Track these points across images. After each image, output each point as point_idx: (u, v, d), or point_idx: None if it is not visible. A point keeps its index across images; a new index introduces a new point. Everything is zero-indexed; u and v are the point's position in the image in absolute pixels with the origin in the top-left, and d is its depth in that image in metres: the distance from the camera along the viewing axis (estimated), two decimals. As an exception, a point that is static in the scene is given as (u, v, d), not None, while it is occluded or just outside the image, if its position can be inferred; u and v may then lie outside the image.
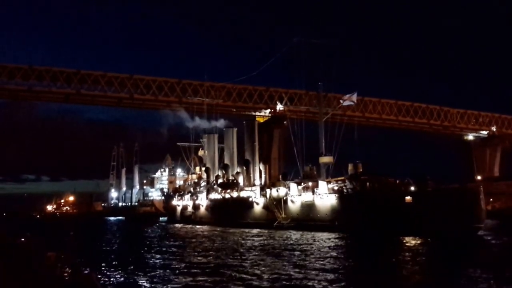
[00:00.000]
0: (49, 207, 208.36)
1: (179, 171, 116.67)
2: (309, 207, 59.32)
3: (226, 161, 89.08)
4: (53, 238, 46.98)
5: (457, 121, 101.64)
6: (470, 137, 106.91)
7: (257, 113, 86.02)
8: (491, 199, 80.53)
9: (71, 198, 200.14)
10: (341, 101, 66.30)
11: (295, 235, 49.91)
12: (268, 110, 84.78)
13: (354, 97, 65.68)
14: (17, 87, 77.43)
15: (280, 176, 73.22)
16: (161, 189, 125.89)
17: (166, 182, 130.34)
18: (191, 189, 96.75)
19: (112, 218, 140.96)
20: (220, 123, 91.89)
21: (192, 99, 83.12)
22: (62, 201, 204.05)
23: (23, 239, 27.21)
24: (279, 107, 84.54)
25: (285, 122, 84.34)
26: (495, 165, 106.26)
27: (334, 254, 32.37)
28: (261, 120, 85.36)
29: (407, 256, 31.25)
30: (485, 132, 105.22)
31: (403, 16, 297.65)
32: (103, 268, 27.14)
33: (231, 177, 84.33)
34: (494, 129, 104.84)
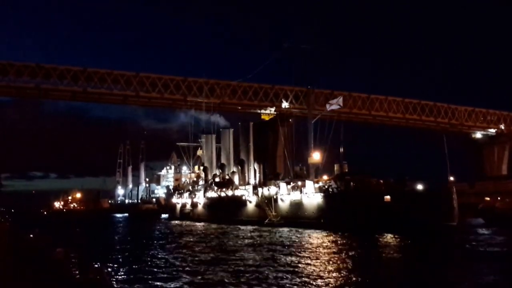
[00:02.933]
0: (57, 204, 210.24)
1: (184, 169, 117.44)
2: (297, 206, 61.72)
3: (223, 160, 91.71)
4: (61, 235, 47.53)
5: (465, 119, 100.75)
6: (478, 135, 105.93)
7: (263, 111, 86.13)
8: (499, 198, 79.80)
9: (78, 195, 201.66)
10: (328, 106, 67.12)
11: (282, 232, 51.86)
12: (274, 108, 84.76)
13: (340, 101, 67.45)
14: (24, 85, 78.06)
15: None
16: (167, 187, 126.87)
17: (172, 179, 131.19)
18: (190, 187, 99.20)
19: (118, 215, 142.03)
20: (219, 119, 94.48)
21: (194, 100, 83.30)
22: (70, 198, 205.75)
23: (31, 235, 27.54)
24: (285, 105, 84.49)
25: (290, 120, 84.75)
26: (503, 163, 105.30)
27: (312, 249, 34.14)
28: (267, 118, 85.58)
29: (380, 251, 33.14)
30: (493, 130, 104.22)
31: (408, 14, 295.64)
32: (110, 263, 27.49)
33: (227, 176, 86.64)
34: (503, 127, 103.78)
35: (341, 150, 64.24)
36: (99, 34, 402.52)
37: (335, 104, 66.86)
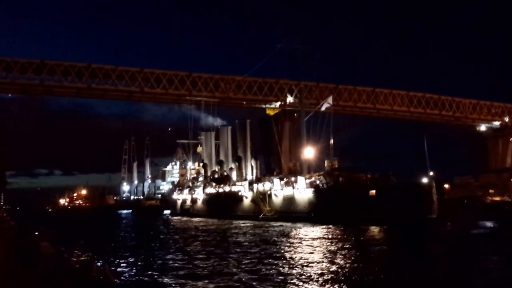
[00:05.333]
0: (62, 201, 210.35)
1: (190, 164, 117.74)
2: (289, 200, 63.83)
3: (221, 157, 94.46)
4: (65, 231, 47.52)
5: (469, 112, 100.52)
6: (483, 128, 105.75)
7: (268, 106, 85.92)
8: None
9: (84, 192, 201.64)
10: (322, 106, 68.94)
11: (275, 226, 53.36)
12: (279, 103, 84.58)
13: (330, 100, 68.87)
14: (29, 81, 77.98)
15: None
16: (172, 182, 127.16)
17: (177, 175, 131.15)
18: (190, 184, 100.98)
19: (124, 211, 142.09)
20: (216, 121, 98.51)
21: (198, 94, 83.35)
22: (75, 194, 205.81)
23: (36, 233, 27.55)
24: (289, 99, 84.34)
25: (295, 115, 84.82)
26: (508, 156, 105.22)
27: (299, 241, 36.30)
28: (272, 113, 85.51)
29: (362, 243, 35.24)
30: (497, 123, 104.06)
31: (412, 6, 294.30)
32: (113, 259, 27.54)
33: (225, 173, 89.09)
34: (507, 120, 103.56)
35: (331, 146, 66.23)
36: (103, 30, 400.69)
37: (325, 103, 67.93)
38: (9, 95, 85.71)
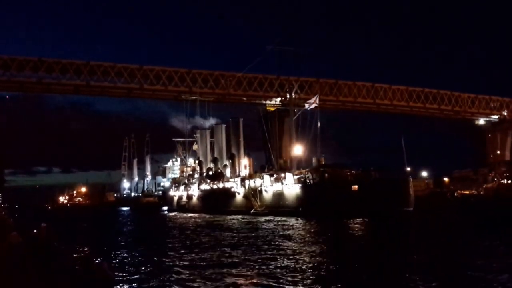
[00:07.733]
0: (62, 199, 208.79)
1: (190, 161, 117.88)
2: (279, 196, 65.81)
3: (216, 154, 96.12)
4: (65, 229, 47.24)
5: (468, 106, 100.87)
6: (481, 121, 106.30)
7: (268, 102, 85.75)
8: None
9: (84, 189, 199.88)
10: (307, 105, 69.82)
11: (264, 220, 54.47)
12: (279, 99, 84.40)
13: (317, 100, 69.85)
14: (26, 79, 77.34)
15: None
16: (173, 179, 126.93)
17: (178, 171, 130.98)
18: (186, 181, 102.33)
19: (124, 208, 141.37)
20: (211, 122, 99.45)
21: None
22: (74, 192, 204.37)
23: (35, 231, 27.22)
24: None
25: (295, 110, 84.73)
26: (506, 149, 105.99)
27: (287, 233, 37.84)
28: (272, 109, 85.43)
29: (341, 234, 36.77)
30: (496, 117, 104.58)
31: (412, 2, 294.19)
32: (112, 258, 27.02)
33: (219, 170, 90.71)
34: (505, 113, 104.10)
35: (318, 143, 67.91)
36: (102, 27, 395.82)
37: (313, 103, 68.92)
38: (7, 97, 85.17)
